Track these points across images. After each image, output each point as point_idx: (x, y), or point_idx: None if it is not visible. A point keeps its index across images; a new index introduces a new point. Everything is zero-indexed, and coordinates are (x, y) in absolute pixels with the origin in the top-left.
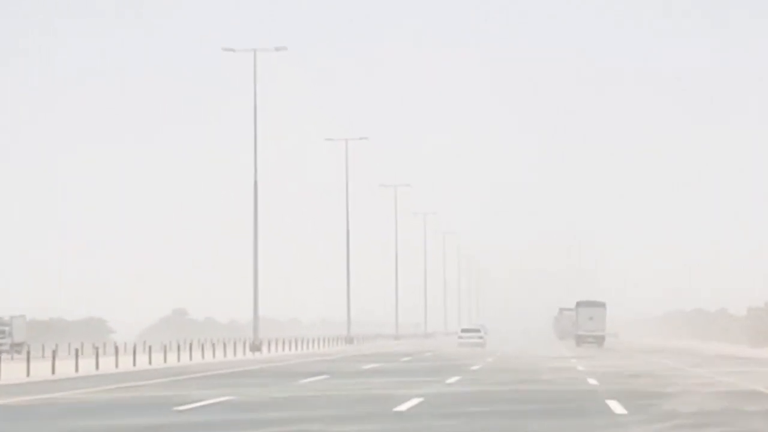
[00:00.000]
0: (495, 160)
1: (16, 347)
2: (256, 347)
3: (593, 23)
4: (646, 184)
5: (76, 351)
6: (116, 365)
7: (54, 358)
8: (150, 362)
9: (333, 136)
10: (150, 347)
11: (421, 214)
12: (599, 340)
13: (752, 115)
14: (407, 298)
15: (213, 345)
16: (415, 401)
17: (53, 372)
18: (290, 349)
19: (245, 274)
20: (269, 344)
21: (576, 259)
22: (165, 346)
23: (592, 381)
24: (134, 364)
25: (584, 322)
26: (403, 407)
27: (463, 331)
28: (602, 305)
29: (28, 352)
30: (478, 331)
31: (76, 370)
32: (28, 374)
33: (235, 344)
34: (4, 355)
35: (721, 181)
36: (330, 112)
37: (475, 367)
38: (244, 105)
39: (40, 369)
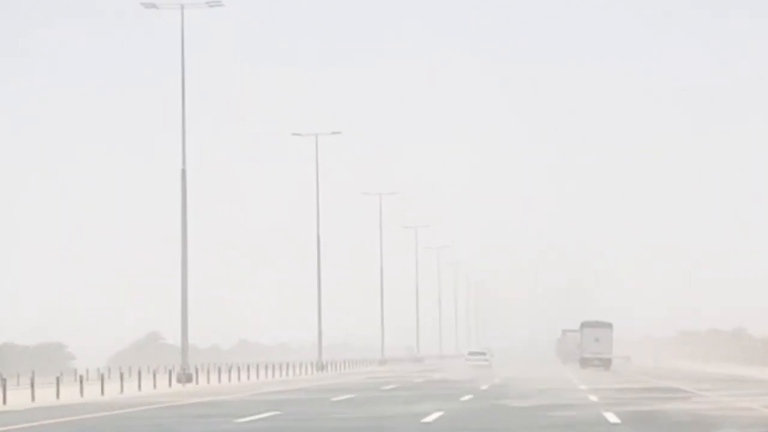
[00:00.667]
0: (491, 173)
1: None
2: (186, 377)
3: (592, 25)
4: (649, 195)
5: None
6: (81, 394)
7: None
8: (122, 391)
9: (301, 132)
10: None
11: (413, 227)
12: (606, 363)
13: (754, 117)
14: (399, 320)
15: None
16: None
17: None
18: (234, 378)
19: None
20: (211, 373)
21: (579, 277)
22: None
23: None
24: (102, 393)
25: (589, 343)
26: None
27: (470, 354)
28: (608, 326)
29: None
30: (484, 354)
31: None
32: None
33: (169, 373)
34: None
35: (729, 188)
36: (301, 107)
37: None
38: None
39: None
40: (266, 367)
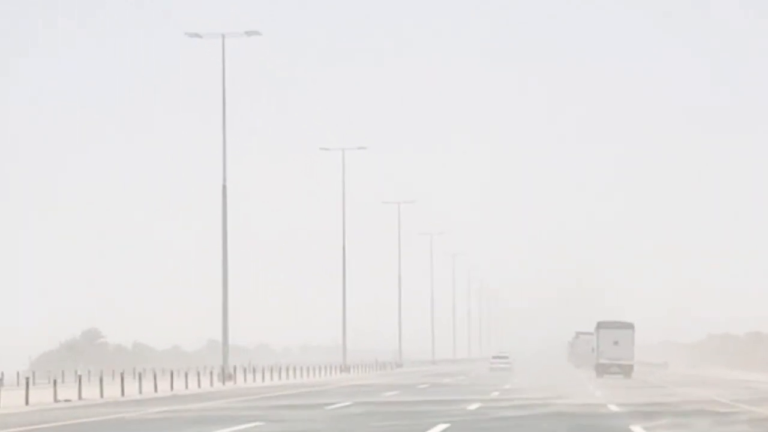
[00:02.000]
0: (504, 180)
1: None
2: (227, 377)
3: (594, 26)
4: (661, 199)
5: None
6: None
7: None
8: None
9: (329, 146)
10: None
11: (429, 234)
12: (626, 371)
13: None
14: (410, 325)
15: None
16: None
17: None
18: (267, 378)
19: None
20: (245, 373)
21: (591, 282)
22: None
23: None
24: (27, 402)
25: (607, 347)
26: None
27: (494, 357)
28: (629, 327)
29: None
30: (506, 357)
31: None
32: None
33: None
34: None
35: (737, 191)
36: (329, 123)
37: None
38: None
39: None
40: (294, 369)
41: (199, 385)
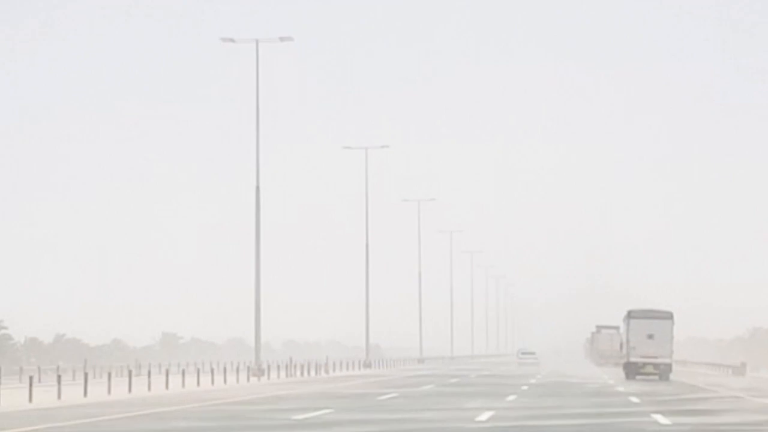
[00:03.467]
0: (517, 173)
1: None
2: (260, 372)
3: (598, 18)
4: (678, 193)
5: None
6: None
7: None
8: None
9: (352, 145)
10: None
11: (447, 232)
12: (663, 372)
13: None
14: (429, 321)
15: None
16: None
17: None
18: (297, 373)
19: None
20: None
21: (609, 279)
22: None
23: None
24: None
25: (640, 342)
26: None
27: (522, 354)
28: (668, 316)
29: None
30: (533, 353)
31: None
32: None
33: (237, 368)
34: None
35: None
36: (350, 121)
37: None
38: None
39: None
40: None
41: (225, 381)
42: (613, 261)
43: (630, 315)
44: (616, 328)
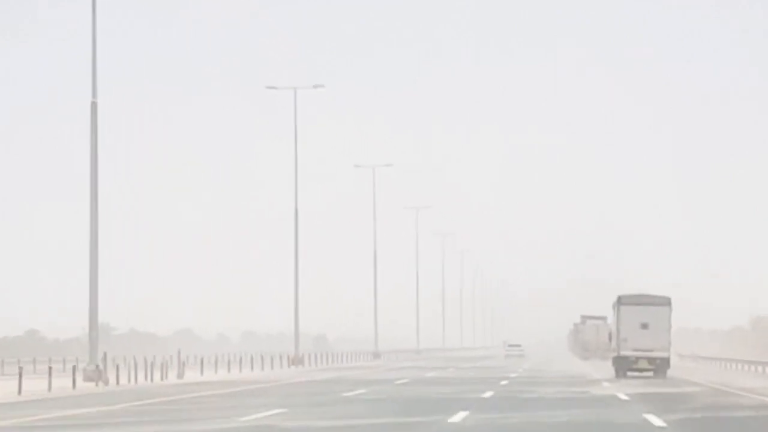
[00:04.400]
0: (505, 176)
1: None
2: (298, 360)
3: (612, 24)
4: (673, 190)
5: None
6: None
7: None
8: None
9: (361, 163)
10: None
11: (440, 235)
12: (660, 367)
13: None
14: (411, 314)
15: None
16: None
17: None
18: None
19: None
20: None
21: (596, 266)
22: None
23: None
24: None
25: (633, 332)
26: None
27: (509, 346)
28: (664, 302)
29: None
30: (519, 346)
31: None
32: None
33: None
34: None
35: (742, 179)
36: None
37: None
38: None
39: None
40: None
41: (272, 368)
42: (601, 253)
43: (620, 301)
44: (603, 318)
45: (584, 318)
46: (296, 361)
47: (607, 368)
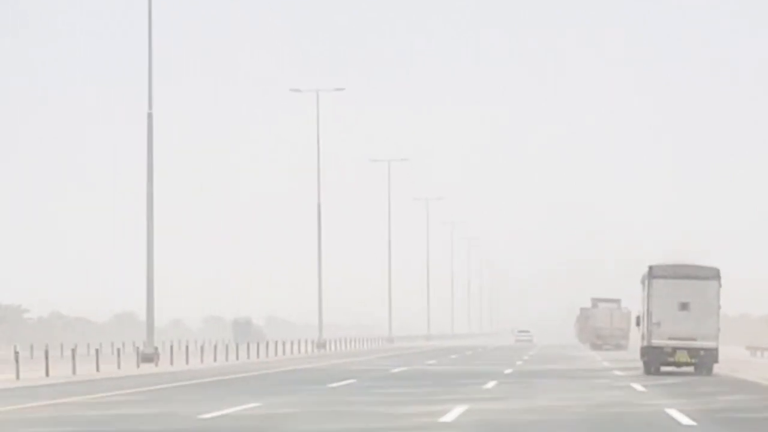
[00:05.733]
0: (502, 146)
1: None
2: (322, 345)
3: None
4: (666, 167)
5: None
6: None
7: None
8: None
9: (378, 157)
10: None
11: (423, 200)
12: (704, 361)
13: None
14: (405, 298)
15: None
16: None
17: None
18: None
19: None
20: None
21: (594, 256)
22: None
23: None
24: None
25: (669, 314)
26: None
27: (519, 332)
28: (712, 275)
29: None
30: (528, 332)
31: None
32: None
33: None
34: None
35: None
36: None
37: None
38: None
39: None
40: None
41: (299, 351)
42: (603, 235)
43: (652, 273)
44: (617, 301)
45: (595, 301)
46: (320, 345)
47: (623, 359)
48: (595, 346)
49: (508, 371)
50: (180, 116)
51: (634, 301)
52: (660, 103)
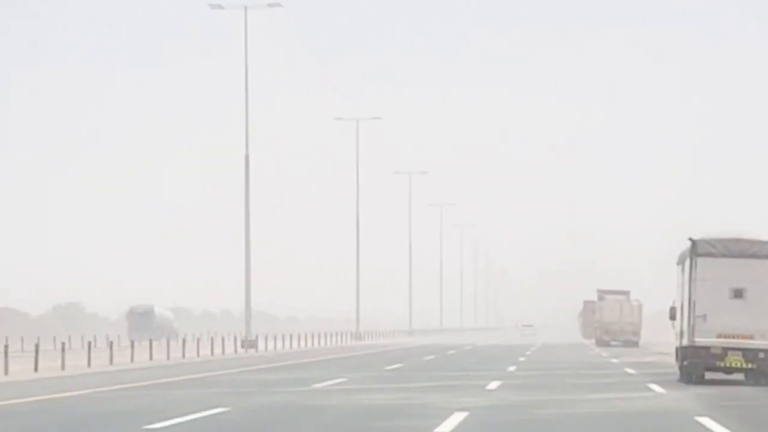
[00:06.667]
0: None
1: None
2: (359, 336)
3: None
4: (668, 172)
5: None
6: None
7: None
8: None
9: (343, 116)
10: None
11: (437, 206)
12: (764, 367)
13: None
14: (416, 295)
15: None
16: None
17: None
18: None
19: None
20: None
21: (599, 255)
22: None
23: None
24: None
25: (718, 304)
26: None
27: (523, 326)
28: None
29: None
30: (532, 326)
31: None
32: None
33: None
34: None
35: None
36: (341, 92)
37: None
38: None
39: None
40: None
41: (341, 341)
42: (601, 236)
43: (695, 250)
44: (626, 293)
45: (602, 293)
46: (358, 336)
47: (633, 356)
48: (602, 342)
49: (492, 386)
50: None
51: (639, 295)
52: (660, 104)
